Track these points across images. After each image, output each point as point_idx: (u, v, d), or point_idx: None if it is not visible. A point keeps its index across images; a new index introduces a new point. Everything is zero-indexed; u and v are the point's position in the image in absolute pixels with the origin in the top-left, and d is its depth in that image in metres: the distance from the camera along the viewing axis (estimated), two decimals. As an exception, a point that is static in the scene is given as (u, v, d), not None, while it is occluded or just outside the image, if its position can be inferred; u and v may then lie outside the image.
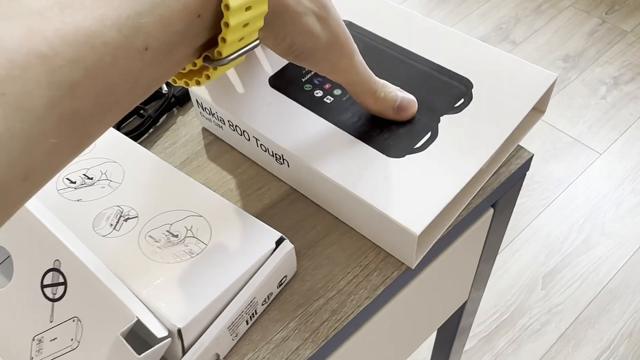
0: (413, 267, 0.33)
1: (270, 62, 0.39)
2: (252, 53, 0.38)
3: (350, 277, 0.34)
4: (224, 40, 0.24)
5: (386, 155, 0.33)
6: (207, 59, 0.25)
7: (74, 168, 0.35)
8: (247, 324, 0.31)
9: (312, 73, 0.38)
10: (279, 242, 0.31)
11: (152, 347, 0.26)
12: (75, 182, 0.34)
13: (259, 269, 0.30)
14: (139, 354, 0.26)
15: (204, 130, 0.42)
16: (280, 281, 0.32)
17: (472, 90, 0.35)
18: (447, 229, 0.34)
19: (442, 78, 0.36)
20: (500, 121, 0.34)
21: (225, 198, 0.38)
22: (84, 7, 0.19)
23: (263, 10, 0.24)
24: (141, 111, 0.42)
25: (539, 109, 0.37)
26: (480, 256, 0.44)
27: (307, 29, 0.27)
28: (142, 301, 0.28)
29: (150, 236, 0.31)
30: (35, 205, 0.31)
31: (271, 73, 0.38)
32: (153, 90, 0.23)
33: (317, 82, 0.37)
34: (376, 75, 0.33)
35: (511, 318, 1.12)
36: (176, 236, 0.31)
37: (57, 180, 0.34)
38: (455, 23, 1.72)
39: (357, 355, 0.37)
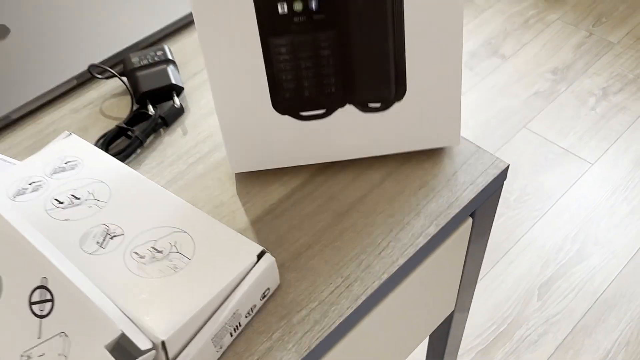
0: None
1: None
2: None
3: (332, 287, 0.35)
4: None
5: None
6: None
7: (62, 189, 0.36)
8: (232, 335, 0.32)
9: None
10: (260, 255, 0.32)
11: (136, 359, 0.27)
12: (63, 203, 0.35)
13: (241, 281, 0.31)
14: (124, 366, 0.26)
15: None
16: (264, 293, 0.33)
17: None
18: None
19: None
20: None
21: (211, 215, 0.39)
22: None
23: None
24: (129, 132, 0.44)
25: None
26: (464, 265, 0.45)
27: None
28: (127, 315, 0.29)
29: (135, 252, 0.32)
30: (22, 224, 0.32)
31: None
32: None
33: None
34: None
35: (508, 330, 1.12)
36: (161, 252, 0.32)
37: (46, 201, 0.35)
38: (445, 39, 1.74)
39: (343, 365, 0.38)
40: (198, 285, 0.30)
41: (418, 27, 0.34)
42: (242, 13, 0.33)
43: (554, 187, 1.34)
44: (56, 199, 0.35)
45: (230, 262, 0.31)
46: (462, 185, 0.38)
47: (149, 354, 0.27)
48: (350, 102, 0.36)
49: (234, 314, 0.31)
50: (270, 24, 0.33)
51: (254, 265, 0.32)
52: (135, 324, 0.28)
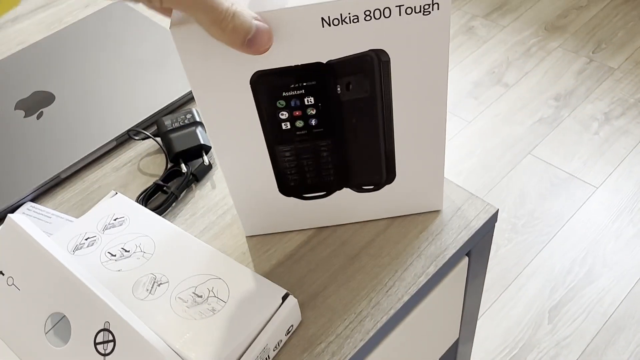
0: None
1: None
2: None
3: (347, 323, 0.40)
4: None
5: None
6: None
7: (114, 243, 0.42)
8: (262, 367, 0.38)
9: None
10: (285, 297, 0.38)
11: (185, 389, 0.32)
12: (115, 255, 0.41)
13: (269, 321, 0.37)
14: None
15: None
16: (288, 329, 0.39)
17: None
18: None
19: None
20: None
21: (239, 261, 0.45)
22: None
23: None
24: (165, 188, 0.50)
25: None
26: (464, 299, 0.50)
27: None
28: (176, 352, 0.35)
29: (179, 297, 0.38)
30: (85, 275, 0.38)
31: None
32: None
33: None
34: None
35: (520, 354, 1.15)
36: (200, 297, 0.38)
37: (100, 254, 0.41)
38: (451, 69, 1.81)
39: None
40: (234, 325, 0.36)
41: (406, 128, 0.40)
42: (249, 126, 0.39)
43: (561, 211, 1.39)
44: (109, 252, 0.41)
45: (260, 305, 0.37)
46: (457, 229, 0.44)
47: (195, 384, 0.33)
48: (346, 186, 0.43)
49: (264, 348, 0.37)
50: (275, 137, 0.40)
51: (280, 307, 0.38)
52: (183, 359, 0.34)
